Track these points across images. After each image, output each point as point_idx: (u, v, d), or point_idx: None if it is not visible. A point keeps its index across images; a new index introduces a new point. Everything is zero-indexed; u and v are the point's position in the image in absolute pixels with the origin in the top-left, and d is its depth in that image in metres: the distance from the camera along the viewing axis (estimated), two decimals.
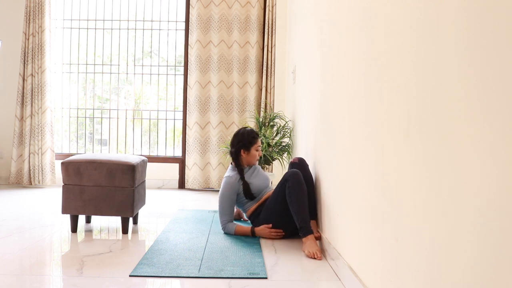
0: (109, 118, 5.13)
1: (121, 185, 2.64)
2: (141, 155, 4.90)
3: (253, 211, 2.76)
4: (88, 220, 2.96)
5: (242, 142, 2.82)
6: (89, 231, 2.78)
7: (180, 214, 3.36)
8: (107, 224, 2.97)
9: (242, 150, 2.81)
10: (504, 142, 0.80)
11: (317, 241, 2.42)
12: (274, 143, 3.89)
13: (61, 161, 2.93)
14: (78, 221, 2.96)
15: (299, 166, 2.71)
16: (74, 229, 2.71)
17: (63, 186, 2.68)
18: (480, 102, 0.88)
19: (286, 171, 2.76)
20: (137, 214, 2.97)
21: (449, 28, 1.02)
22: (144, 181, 2.96)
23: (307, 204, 2.48)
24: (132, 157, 2.80)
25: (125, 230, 2.70)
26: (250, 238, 2.62)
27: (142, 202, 2.93)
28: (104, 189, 2.64)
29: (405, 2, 1.31)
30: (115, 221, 3.00)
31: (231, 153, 2.85)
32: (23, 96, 4.68)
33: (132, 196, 2.66)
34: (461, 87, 0.96)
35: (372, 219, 1.56)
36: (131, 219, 2.88)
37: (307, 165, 2.75)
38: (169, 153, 5.17)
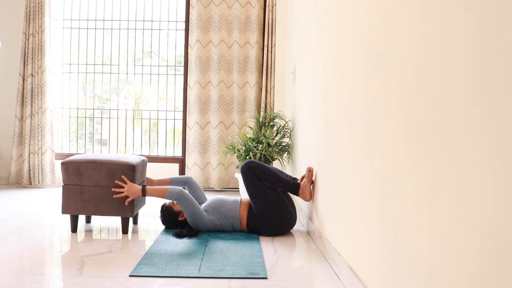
0: (109, 118, 5.13)
1: (121, 185, 2.64)
2: (141, 155, 4.90)
3: (246, 222, 2.74)
4: (88, 220, 2.97)
5: (169, 219, 2.81)
6: (89, 231, 2.78)
7: None
8: (107, 224, 2.97)
9: (178, 218, 2.79)
10: (504, 142, 0.80)
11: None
12: (274, 143, 3.89)
13: (61, 161, 2.94)
14: (78, 221, 2.96)
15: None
16: (74, 229, 2.71)
17: (63, 186, 2.68)
18: (480, 103, 0.88)
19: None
20: (137, 214, 2.97)
21: (449, 30, 1.02)
22: (144, 181, 2.96)
23: (277, 171, 2.80)
24: (132, 157, 2.80)
25: (125, 230, 2.70)
26: (250, 238, 2.62)
27: (142, 202, 2.94)
28: (104, 189, 2.64)
29: (405, 2, 1.31)
30: (115, 221, 3.00)
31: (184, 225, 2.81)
32: (23, 96, 4.68)
33: None
34: (460, 89, 0.96)
35: (372, 219, 1.56)
36: (131, 219, 2.88)
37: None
38: (169, 153, 5.17)
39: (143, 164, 2.89)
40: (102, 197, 2.63)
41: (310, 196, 2.76)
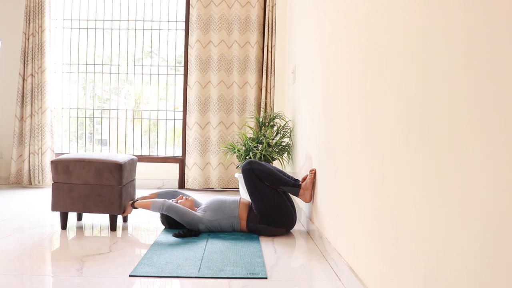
0: (109, 118, 5.13)
1: (108, 183, 2.69)
2: (141, 155, 4.91)
3: (246, 223, 2.73)
4: (79, 218, 3.01)
5: (167, 219, 2.80)
6: (82, 229, 2.78)
7: None
8: (103, 222, 2.97)
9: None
10: (504, 143, 0.80)
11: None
12: (274, 143, 3.89)
13: (51, 159, 2.99)
14: (75, 219, 3.02)
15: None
16: (64, 226, 2.77)
17: (52, 184, 2.73)
18: (479, 104, 0.88)
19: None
20: None
21: (449, 32, 1.02)
22: (133, 180, 3.01)
23: (278, 171, 2.80)
24: (120, 156, 2.85)
25: (113, 227, 2.76)
26: (250, 238, 2.62)
27: (131, 200, 2.96)
28: (92, 187, 2.69)
29: (406, 3, 1.31)
30: (106, 218, 3.02)
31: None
32: (23, 96, 4.68)
33: (119, 194, 2.71)
34: (459, 94, 0.96)
35: (372, 219, 1.56)
36: (119, 217, 2.95)
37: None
38: (169, 153, 5.16)
39: (131, 163, 2.93)
40: (90, 195, 2.69)
41: (310, 198, 2.76)
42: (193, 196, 3.70)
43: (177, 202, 2.83)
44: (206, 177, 4.74)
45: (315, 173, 2.74)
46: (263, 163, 2.80)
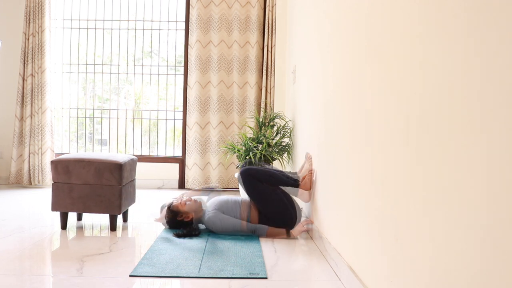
0: (109, 118, 5.13)
1: (108, 183, 2.69)
2: (141, 155, 4.91)
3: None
4: (79, 218, 3.01)
5: (171, 219, 2.79)
6: (82, 229, 2.78)
7: None
8: (103, 222, 2.97)
9: (177, 218, 2.76)
10: (502, 145, 0.80)
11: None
12: (274, 143, 3.89)
13: (51, 159, 3.00)
14: (75, 219, 3.01)
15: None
16: (64, 226, 2.77)
17: (52, 184, 2.73)
18: (478, 109, 0.88)
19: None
20: (127, 211, 3.02)
21: (449, 33, 1.02)
22: (133, 180, 3.02)
23: (276, 171, 2.86)
24: (120, 156, 2.85)
25: (113, 227, 2.76)
26: (250, 238, 2.62)
27: (131, 200, 2.98)
28: (92, 187, 2.69)
29: (406, 3, 1.31)
30: (106, 218, 3.02)
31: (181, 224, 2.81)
32: (23, 96, 4.68)
33: (119, 194, 2.71)
34: (459, 94, 0.96)
35: (372, 219, 1.56)
36: (119, 217, 2.94)
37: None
38: (169, 153, 5.16)
39: (131, 163, 2.93)
40: (90, 195, 2.69)
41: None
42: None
43: (185, 204, 2.83)
44: (206, 177, 4.74)
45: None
46: (260, 163, 2.84)
